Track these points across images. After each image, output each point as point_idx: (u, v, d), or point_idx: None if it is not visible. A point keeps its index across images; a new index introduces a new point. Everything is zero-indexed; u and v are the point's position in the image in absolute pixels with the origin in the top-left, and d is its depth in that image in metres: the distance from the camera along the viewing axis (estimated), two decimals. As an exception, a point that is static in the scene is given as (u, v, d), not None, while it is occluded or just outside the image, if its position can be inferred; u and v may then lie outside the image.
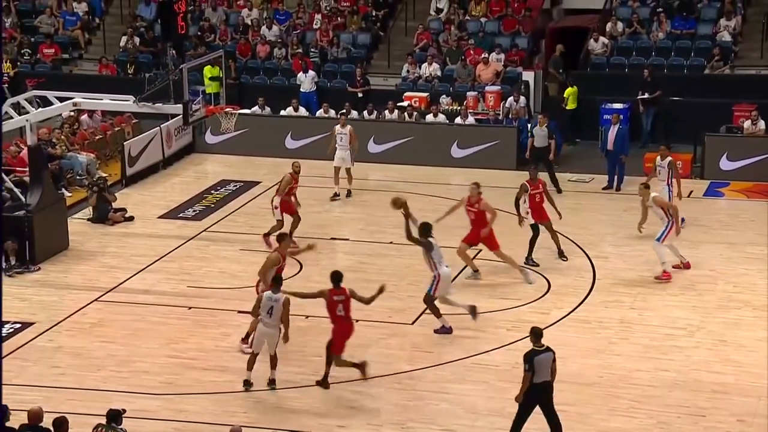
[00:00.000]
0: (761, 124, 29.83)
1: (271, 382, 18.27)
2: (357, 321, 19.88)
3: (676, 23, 34.59)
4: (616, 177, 28.47)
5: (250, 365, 18.26)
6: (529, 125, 31.37)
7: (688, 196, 27.84)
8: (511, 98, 32.15)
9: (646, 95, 31.78)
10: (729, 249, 24.44)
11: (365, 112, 32.29)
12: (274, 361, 18.24)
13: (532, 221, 23.45)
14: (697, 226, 25.89)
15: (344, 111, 31.29)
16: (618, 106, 31.23)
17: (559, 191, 27.77)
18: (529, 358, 15.87)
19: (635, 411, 17.55)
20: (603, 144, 29.15)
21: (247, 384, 18.27)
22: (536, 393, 15.96)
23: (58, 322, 20.98)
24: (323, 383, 18.32)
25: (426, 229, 20.01)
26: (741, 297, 21.94)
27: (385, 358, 19.31)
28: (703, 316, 21.05)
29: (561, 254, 23.69)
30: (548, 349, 16.07)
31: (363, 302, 18.52)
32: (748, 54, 33.83)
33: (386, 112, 32.15)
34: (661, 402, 17.78)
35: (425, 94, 33.25)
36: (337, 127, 28.18)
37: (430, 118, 31.90)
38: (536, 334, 16.10)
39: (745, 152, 29.28)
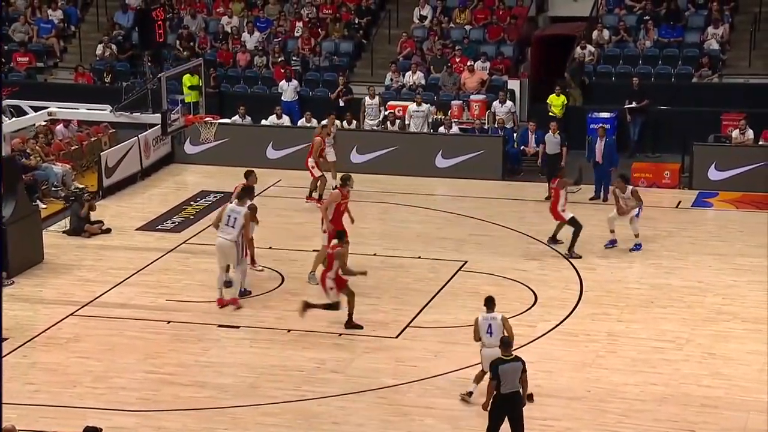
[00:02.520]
0: (749, 133, 29.56)
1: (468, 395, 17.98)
2: (340, 335, 19.59)
3: (663, 31, 34.30)
4: (602, 187, 28.12)
5: (478, 379, 17.87)
6: (515, 134, 31.11)
7: (677, 207, 27.58)
8: (496, 102, 31.79)
9: (634, 104, 31.48)
10: (718, 260, 24.16)
11: (344, 122, 31.90)
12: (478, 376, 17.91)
13: (570, 215, 24.27)
14: (685, 237, 25.66)
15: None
16: (605, 115, 30.92)
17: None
18: (494, 367, 15.92)
19: (624, 426, 17.28)
20: (590, 154, 28.85)
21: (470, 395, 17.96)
22: (504, 403, 15.91)
23: (33, 338, 20.61)
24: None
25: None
26: (730, 309, 21.67)
27: (368, 373, 19.07)
28: (691, 328, 20.77)
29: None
30: (517, 358, 16.05)
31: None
32: (736, 62, 33.57)
33: (366, 97, 32.26)
34: (650, 416, 17.52)
35: (409, 103, 32.89)
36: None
37: (413, 106, 31.67)
38: (505, 343, 16.26)
39: (733, 162, 28.98)
